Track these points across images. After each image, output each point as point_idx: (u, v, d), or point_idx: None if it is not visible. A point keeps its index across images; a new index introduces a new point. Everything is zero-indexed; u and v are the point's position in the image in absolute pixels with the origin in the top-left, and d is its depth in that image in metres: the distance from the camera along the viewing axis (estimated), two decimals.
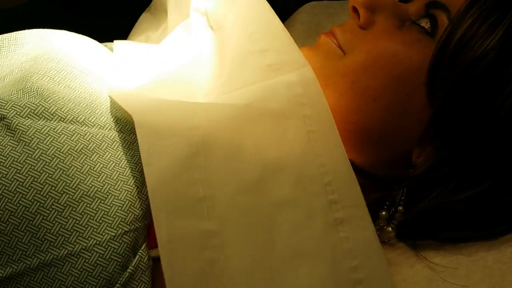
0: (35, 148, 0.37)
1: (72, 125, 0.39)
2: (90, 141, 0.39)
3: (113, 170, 0.38)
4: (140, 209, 0.38)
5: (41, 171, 0.37)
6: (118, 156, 0.39)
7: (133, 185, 0.38)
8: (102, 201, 0.37)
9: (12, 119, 0.38)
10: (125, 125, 0.41)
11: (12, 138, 0.38)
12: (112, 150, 0.39)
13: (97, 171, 0.38)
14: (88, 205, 0.37)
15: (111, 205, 0.37)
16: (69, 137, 0.39)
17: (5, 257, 0.36)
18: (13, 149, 0.37)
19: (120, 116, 0.42)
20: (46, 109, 0.39)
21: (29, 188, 0.36)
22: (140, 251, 0.37)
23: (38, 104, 0.39)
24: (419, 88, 0.45)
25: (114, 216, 0.37)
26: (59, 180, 0.37)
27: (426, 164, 0.45)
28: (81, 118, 0.40)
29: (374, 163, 0.49)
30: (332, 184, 0.41)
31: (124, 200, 0.37)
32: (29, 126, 0.38)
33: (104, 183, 0.38)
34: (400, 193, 0.47)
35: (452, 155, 0.44)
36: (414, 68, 0.45)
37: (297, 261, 0.38)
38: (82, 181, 0.37)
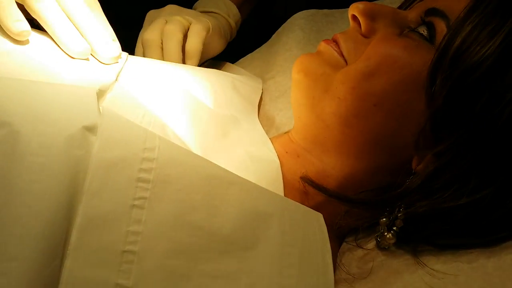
0: None
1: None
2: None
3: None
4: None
5: None
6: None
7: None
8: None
9: None
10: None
11: None
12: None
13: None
14: None
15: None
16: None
17: None
18: None
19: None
20: None
21: None
22: None
23: None
24: (419, 94, 0.45)
25: None
26: None
27: (425, 172, 0.45)
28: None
29: (373, 169, 0.49)
30: None
31: None
32: None
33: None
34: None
35: (452, 162, 0.44)
36: (414, 73, 0.45)
37: None
38: None
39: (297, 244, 0.40)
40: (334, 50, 0.50)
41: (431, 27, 0.46)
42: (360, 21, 0.49)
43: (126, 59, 0.50)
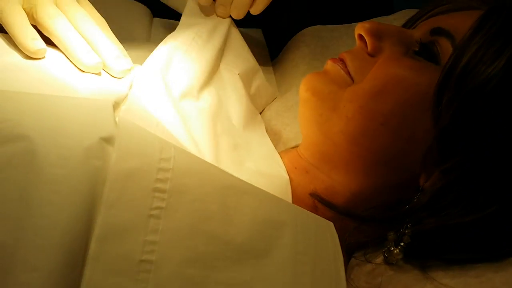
0: None
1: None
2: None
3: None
4: None
5: None
6: None
7: None
8: None
9: None
10: None
11: None
12: None
13: None
14: None
15: None
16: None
17: None
18: None
19: None
20: None
21: None
22: None
23: None
24: (426, 113, 0.46)
25: None
26: None
27: (433, 189, 0.46)
28: None
29: (381, 186, 0.50)
30: None
31: None
32: None
33: None
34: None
35: (459, 180, 0.44)
36: (421, 93, 0.46)
37: None
38: None
39: (310, 253, 0.41)
40: (341, 69, 0.51)
41: (436, 47, 0.47)
42: (367, 41, 0.50)
43: (134, 70, 0.52)
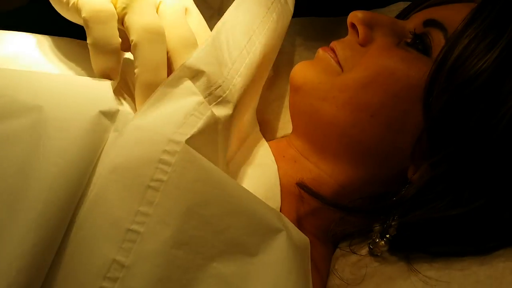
0: None
1: None
2: None
3: None
4: None
5: None
6: None
7: None
8: None
9: None
10: None
11: None
12: None
13: None
14: None
15: None
16: None
17: None
18: None
19: None
20: None
21: None
22: None
23: None
24: (416, 105, 0.45)
25: None
26: None
27: (420, 181, 0.46)
28: None
29: (369, 178, 0.49)
30: None
31: None
32: None
33: None
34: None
35: (447, 173, 0.44)
36: (411, 85, 0.46)
37: None
38: None
39: (297, 264, 0.39)
40: (331, 58, 0.50)
41: (429, 38, 0.47)
42: (358, 30, 0.50)
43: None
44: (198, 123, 0.39)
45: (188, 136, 0.38)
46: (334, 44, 0.51)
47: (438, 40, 0.46)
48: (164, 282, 0.35)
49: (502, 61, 0.42)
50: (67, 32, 0.50)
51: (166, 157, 0.37)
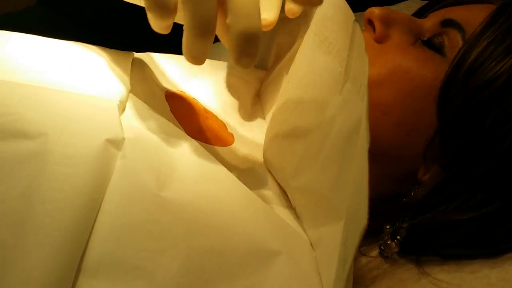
0: None
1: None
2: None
3: None
4: None
5: None
6: None
7: None
8: None
9: None
10: None
11: None
12: None
13: None
14: None
15: None
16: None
17: None
18: None
19: None
20: None
21: None
22: None
23: None
24: (429, 105, 0.45)
25: None
26: None
27: (431, 183, 0.45)
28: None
29: (379, 177, 0.49)
30: None
31: None
32: None
33: None
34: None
35: (458, 175, 0.44)
36: (426, 85, 0.45)
37: None
38: None
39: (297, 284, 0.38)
40: None
41: (446, 39, 0.46)
42: (375, 26, 0.49)
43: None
44: None
45: None
46: None
47: (455, 41, 0.46)
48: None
49: None
50: (73, 34, 0.50)
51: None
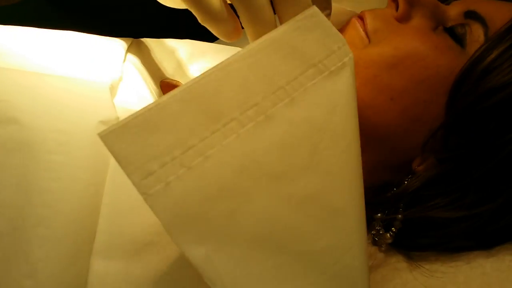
0: None
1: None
2: None
3: None
4: None
5: None
6: None
7: None
8: None
9: None
10: None
11: None
12: None
13: None
14: None
15: None
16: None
17: None
18: None
19: None
20: None
21: None
22: None
23: None
24: (439, 98, 0.43)
25: None
26: None
27: (426, 174, 0.44)
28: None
29: (374, 164, 0.48)
30: None
31: None
32: None
33: None
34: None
35: (453, 172, 0.43)
36: (439, 76, 0.43)
37: None
38: None
39: None
40: (360, 26, 0.47)
41: (468, 31, 0.44)
42: (399, 4, 0.46)
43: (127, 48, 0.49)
44: None
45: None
46: (364, 13, 0.48)
47: (476, 35, 0.44)
48: None
49: None
50: (67, 25, 0.49)
51: None
